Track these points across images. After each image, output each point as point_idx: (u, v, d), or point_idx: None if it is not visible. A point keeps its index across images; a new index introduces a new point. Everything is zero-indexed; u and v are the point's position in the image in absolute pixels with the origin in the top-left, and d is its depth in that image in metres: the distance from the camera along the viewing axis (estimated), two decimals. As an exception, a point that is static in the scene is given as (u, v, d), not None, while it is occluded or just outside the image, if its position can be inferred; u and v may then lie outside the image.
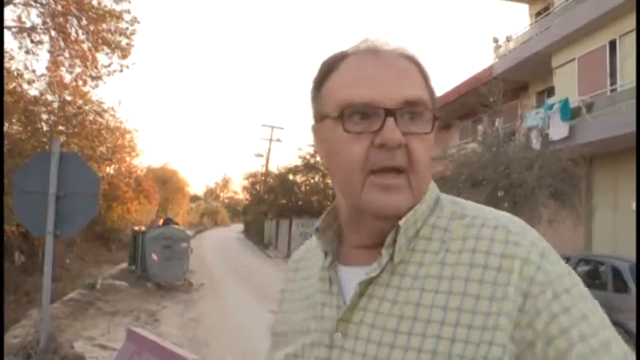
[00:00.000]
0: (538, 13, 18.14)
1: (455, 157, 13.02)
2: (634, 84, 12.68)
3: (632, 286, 7.74)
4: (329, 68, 0.88)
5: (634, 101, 11.96)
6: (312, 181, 31.05)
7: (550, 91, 16.03)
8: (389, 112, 0.80)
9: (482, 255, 0.77)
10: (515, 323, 0.73)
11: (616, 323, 6.92)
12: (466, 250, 0.79)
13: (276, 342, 0.96)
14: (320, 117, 0.89)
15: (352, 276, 0.85)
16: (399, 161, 0.80)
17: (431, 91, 0.87)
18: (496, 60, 18.15)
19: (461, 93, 19.16)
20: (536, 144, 12.45)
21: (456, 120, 19.10)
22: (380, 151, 0.80)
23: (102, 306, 10.95)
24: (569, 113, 13.26)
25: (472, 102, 15.67)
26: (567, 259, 9.43)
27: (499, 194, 10.59)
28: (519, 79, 17.28)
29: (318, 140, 0.92)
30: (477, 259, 0.77)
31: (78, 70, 12.26)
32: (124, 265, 18.00)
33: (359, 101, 0.81)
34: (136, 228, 18.57)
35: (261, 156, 41.16)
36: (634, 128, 11.19)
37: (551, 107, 13.73)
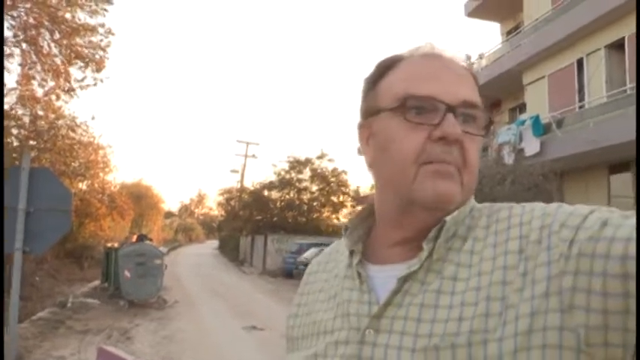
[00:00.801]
0: (509, 32, 18.56)
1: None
2: (601, 101, 13.03)
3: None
4: (388, 66, 0.89)
5: (601, 117, 12.28)
6: (287, 197, 31.02)
7: (522, 108, 16.38)
8: (449, 108, 0.81)
9: (516, 241, 0.77)
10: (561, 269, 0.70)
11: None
12: (490, 234, 0.80)
13: (293, 346, 0.94)
14: (373, 111, 0.89)
15: (382, 274, 0.85)
16: (455, 157, 0.81)
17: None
18: (469, 77, 18.47)
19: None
20: (508, 159, 12.67)
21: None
22: (437, 145, 0.80)
23: (73, 325, 10.71)
24: (541, 129, 13.55)
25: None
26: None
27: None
28: (492, 96, 17.61)
29: (367, 136, 0.91)
30: (511, 246, 0.77)
31: (50, 83, 12.12)
32: (97, 282, 17.68)
33: (421, 94, 0.82)
34: (109, 245, 18.28)
35: (237, 172, 40.97)
36: (602, 145, 11.48)
37: (523, 123, 14.01)
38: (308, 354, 0.87)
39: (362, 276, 0.86)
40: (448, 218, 0.80)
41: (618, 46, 12.84)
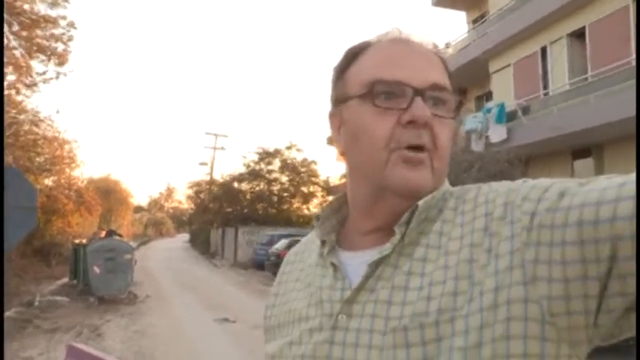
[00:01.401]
0: (475, 20, 18.77)
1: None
2: (564, 88, 13.31)
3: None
4: (355, 53, 0.89)
5: (564, 104, 12.55)
6: (257, 188, 30.92)
7: (488, 96, 16.62)
8: (417, 92, 0.81)
9: (482, 218, 0.77)
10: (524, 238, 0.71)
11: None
12: (457, 214, 0.80)
13: (270, 336, 0.94)
14: (342, 99, 0.88)
15: (355, 260, 0.84)
16: (425, 140, 0.81)
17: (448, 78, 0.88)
18: (436, 66, 18.64)
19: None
20: (475, 146, 12.86)
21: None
22: (406, 129, 0.80)
23: (41, 324, 10.52)
24: (504, 117, 13.78)
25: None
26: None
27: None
28: (459, 84, 17.82)
29: (338, 124, 0.91)
30: (477, 224, 0.77)
31: (10, 77, 11.80)
32: (65, 280, 17.37)
33: (388, 79, 0.82)
34: (77, 241, 17.97)
35: (206, 164, 40.62)
36: (565, 131, 11.74)
37: (489, 111, 14.23)
38: (283, 342, 0.87)
39: (334, 263, 0.86)
40: (420, 202, 0.80)
41: (579, 34, 13.13)
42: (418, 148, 0.80)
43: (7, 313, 11.22)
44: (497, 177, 11.06)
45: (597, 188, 0.68)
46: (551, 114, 12.64)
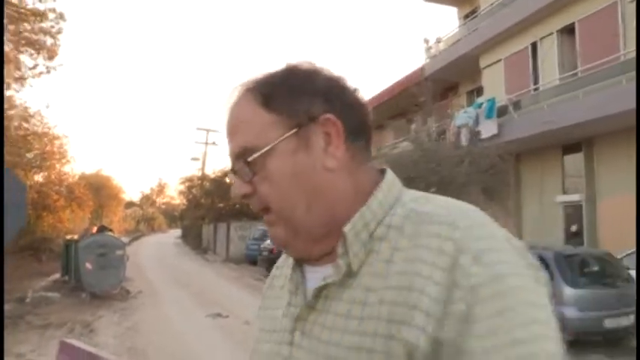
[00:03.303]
0: (466, 16, 18.82)
1: (388, 155, 13.30)
2: (554, 83, 13.39)
3: (556, 274, 8.18)
4: None
5: (555, 100, 12.64)
6: (250, 183, 30.86)
7: (479, 91, 16.68)
8: (232, 170, 0.88)
9: (423, 250, 0.75)
10: (436, 319, 0.71)
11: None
12: (411, 247, 0.77)
13: (259, 337, 0.97)
14: None
15: (316, 274, 0.85)
16: (257, 207, 0.87)
17: (289, 97, 0.85)
18: (427, 61, 18.68)
19: (394, 93, 19.58)
20: (465, 141, 12.92)
21: (390, 119, 19.50)
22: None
23: (32, 320, 10.50)
24: (494, 112, 13.84)
25: (405, 102, 16.07)
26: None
27: (431, 191, 10.90)
28: (450, 79, 17.88)
29: None
30: (418, 253, 0.75)
31: (-1, 73, 11.70)
32: (57, 276, 17.31)
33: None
34: (69, 237, 17.90)
35: (197, 160, 40.51)
36: (556, 126, 11.82)
37: (480, 106, 14.29)
38: (262, 349, 0.91)
39: (296, 279, 0.89)
40: (346, 229, 0.81)
41: (569, 30, 13.20)
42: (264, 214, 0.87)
43: (-2, 310, 11.19)
44: (489, 172, 11.14)
45: None
46: (541, 109, 12.72)
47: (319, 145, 0.83)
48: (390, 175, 0.89)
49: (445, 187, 10.91)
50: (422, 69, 18.41)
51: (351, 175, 0.85)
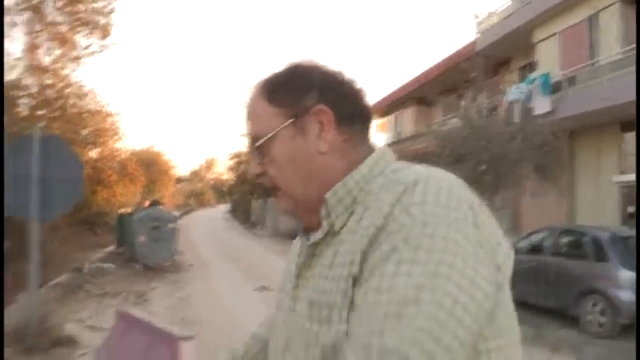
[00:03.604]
0: (519, -12, 18.13)
1: (438, 133, 13.08)
2: (613, 58, 12.80)
3: (612, 255, 7.93)
4: None
5: (614, 74, 12.09)
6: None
7: (532, 66, 16.12)
8: (250, 151, 1.06)
9: (376, 206, 0.88)
10: (364, 256, 0.84)
11: (596, 290, 7.03)
12: (375, 205, 0.89)
13: (276, 303, 1.13)
14: None
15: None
16: (268, 185, 1.04)
17: (288, 91, 1.00)
18: (478, 35, 18.17)
19: (444, 69, 19.18)
20: (517, 118, 12.56)
21: (440, 96, 19.15)
22: None
23: (90, 289, 10.97)
24: (550, 88, 13.37)
25: (455, 78, 15.71)
26: (551, 231, 9.60)
27: (482, 168, 10.70)
28: (502, 55, 17.34)
29: None
30: (373, 209, 0.88)
31: (56, 52, 12.07)
32: (111, 248, 17.97)
33: None
34: (123, 211, 18.50)
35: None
36: (614, 102, 11.34)
37: (533, 82, 13.83)
38: (279, 307, 1.09)
39: (301, 245, 1.04)
40: (328, 196, 0.96)
41: (631, 0, 12.54)
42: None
43: (58, 279, 11.73)
44: (542, 149, 10.81)
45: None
46: (599, 84, 12.20)
47: (314, 132, 0.99)
48: (379, 151, 1.01)
49: (496, 164, 10.67)
50: (473, 44, 17.93)
51: (344, 156, 0.99)
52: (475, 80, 12.30)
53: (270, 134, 0.99)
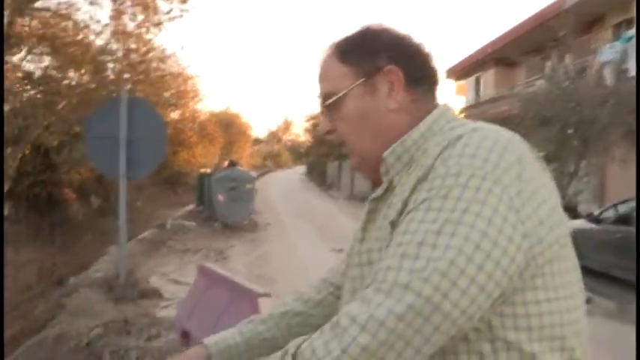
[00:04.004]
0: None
1: (521, 95, 12.52)
2: None
3: None
4: None
5: None
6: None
7: (629, 23, 14.97)
8: (321, 112, 1.12)
9: (425, 160, 0.94)
10: (404, 204, 0.91)
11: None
12: (419, 166, 0.95)
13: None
14: None
15: None
16: (337, 142, 1.11)
17: (360, 52, 1.05)
18: (568, -10, 17.05)
19: (528, 28, 18.22)
20: (610, 80, 11.77)
21: (523, 57, 18.24)
22: None
23: (173, 245, 11.51)
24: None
25: (540, 37, 14.88)
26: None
27: (568, 132, 10.19)
28: (595, 11, 16.17)
29: None
30: (422, 163, 0.94)
31: (140, 17, 12.42)
32: (191, 206, 18.68)
33: None
34: (202, 171, 19.13)
35: (322, 98, 40.87)
36: None
37: (629, 40, 12.86)
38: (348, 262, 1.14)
39: (369, 203, 1.08)
40: (386, 154, 1.02)
41: None
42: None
43: (144, 234, 12.40)
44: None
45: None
46: None
47: (384, 91, 1.04)
48: (439, 110, 1.05)
49: (585, 127, 10.12)
50: (561, 0, 16.87)
51: (411, 114, 1.04)
52: (564, 39, 11.61)
53: (342, 92, 1.05)
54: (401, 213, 0.90)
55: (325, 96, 1.08)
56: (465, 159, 0.86)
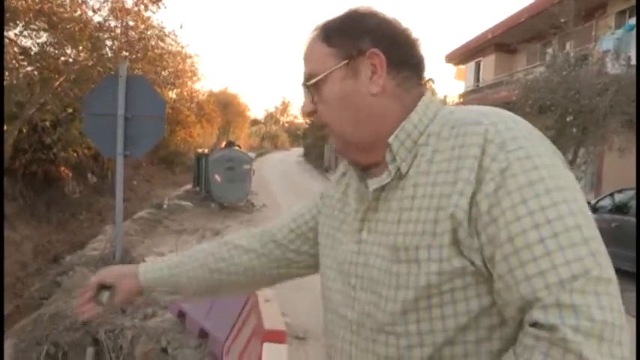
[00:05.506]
0: None
1: (521, 81, 12.47)
2: None
3: None
4: None
5: None
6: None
7: (632, 11, 14.88)
8: (304, 90, 1.10)
9: (457, 147, 0.92)
10: (471, 197, 0.88)
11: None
12: (448, 147, 0.94)
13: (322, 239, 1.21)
14: None
15: (376, 184, 1.03)
16: (318, 123, 1.10)
17: (344, 34, 1.04)
18: (571, -24, 16.90)
19: (529, 14, 18.10)
20: (611, 68, 11.71)
21: (523, 43, 18.12)
22: None
23: (169, 224, 11.51)
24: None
25: (541, 23, 14.79)
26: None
27: (567, 119, 10.16)
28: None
29: None
30: (454, 151, 0.93)
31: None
32: (188, 186, 18.64)
33: None
34: (200, 151, 19.07)
35: (321, 79, 40.69)
36: None
37: (632, 28, 12.78)
38: (337, 250, 1.12)
39: (359, 189, 1.08)
40: (391, 140, 1.00)
41: None
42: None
43: (140, 213, 12.38)
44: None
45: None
46: None
47: (366, 74, 1.02)
48: (428, 95, 1.05)
49: (583, 116, 10.09)
50: (565, -14, 16.72)
51: (396, 99, 1.03)
52: (565, 26, 11.53)
53: (323, 74, 1.04)
54: (469, 208, 0.88)
55: (307, 77, 1.07)
56: (522, 141, 0.90)
